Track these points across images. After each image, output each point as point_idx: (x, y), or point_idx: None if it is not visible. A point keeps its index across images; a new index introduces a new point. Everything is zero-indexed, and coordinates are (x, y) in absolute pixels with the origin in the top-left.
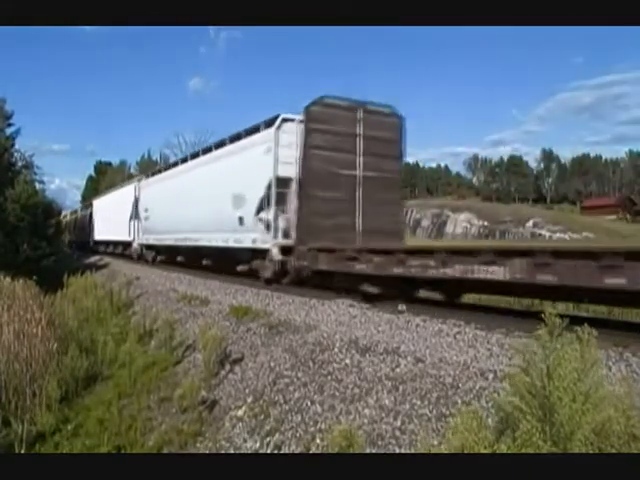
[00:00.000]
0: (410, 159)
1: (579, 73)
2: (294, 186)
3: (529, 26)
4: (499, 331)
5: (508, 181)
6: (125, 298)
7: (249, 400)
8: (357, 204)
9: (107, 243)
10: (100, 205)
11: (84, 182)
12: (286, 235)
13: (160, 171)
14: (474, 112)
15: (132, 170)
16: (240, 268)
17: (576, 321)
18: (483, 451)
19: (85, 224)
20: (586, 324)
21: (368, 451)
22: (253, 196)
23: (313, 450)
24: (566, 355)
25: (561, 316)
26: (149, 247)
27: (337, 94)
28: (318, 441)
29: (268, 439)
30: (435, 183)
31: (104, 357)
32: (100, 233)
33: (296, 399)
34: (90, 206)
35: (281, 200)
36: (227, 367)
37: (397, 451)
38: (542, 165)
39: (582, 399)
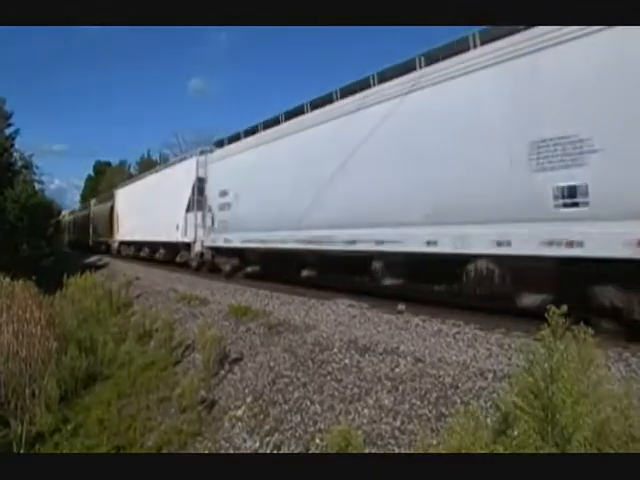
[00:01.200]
0: None
1: None
2: None
3: (528, 26)
4: (498, 331)
5: None
6: (124, 298)
7: (248, 400)
8: None
9: (141, 245)
10: (128, 196)
11: (84, 182)
12: None
13: (255, 130)
14: None
15: (132, 170)
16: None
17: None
18: (480, 451)
19: (101, 222)
20: (582, 323)
21: (367, 451)
22: None
23: (313, 450)
24: (569, 355)
25: (565, 315)
26: (227, 252)
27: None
28: (318, 441)
29: (268, 439)
30: None
31: (103, 357)
32: (128, 232)
33: (295, 399)
34: (110, 199)
35: None
36: (226, 367)
37: (397, 451)
38: None
39: (583, 400)
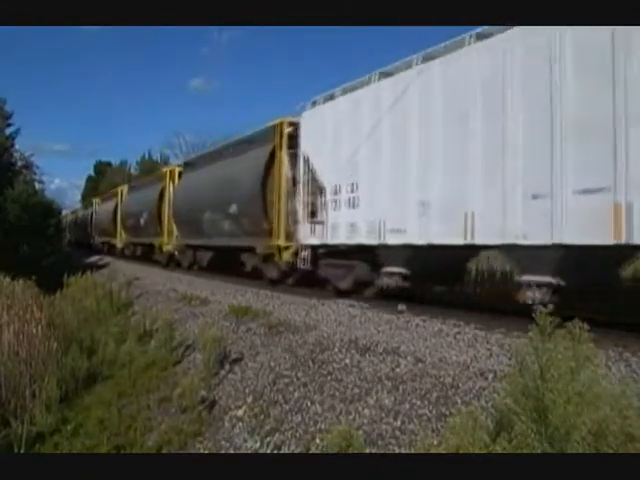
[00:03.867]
0: None
1: None
2: None
3: (527, 26)
4: (499, 331)
5: None
6: (125, 298)
7: (249, 400)
8: None
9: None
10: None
11: (84, 182)
12: None
13: None
14: None
15: (132, 170)
16: None
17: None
18: (478, 452)
19: (215, 205)
20: (577, 319)
21: (368, 451)
22: None
23: (313, 450)
24: (559, 355)
25: (554, 314)
26: None
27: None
28: (318, 441)
29: (268, 439)
30: None
31: (104, 357)
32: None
33: (296, 399)
34: (259, 144)
35: None
36: (227, 367)
37: (397, 451)
38: None
39: (576, 399)
